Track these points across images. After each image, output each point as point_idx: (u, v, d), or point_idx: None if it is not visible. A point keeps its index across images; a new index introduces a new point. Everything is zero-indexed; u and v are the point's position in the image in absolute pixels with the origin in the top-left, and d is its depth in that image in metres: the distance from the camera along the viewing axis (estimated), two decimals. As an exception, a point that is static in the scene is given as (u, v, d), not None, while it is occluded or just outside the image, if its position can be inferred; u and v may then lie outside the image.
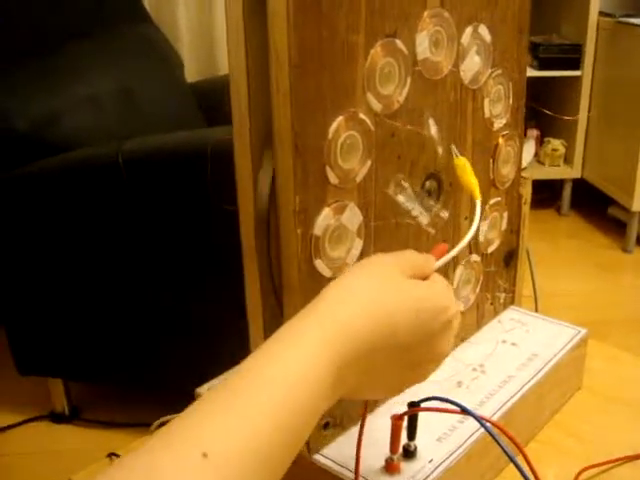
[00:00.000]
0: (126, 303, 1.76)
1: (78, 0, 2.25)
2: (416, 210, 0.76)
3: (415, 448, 0.72)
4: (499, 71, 0.86)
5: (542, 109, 3.43)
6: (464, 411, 0.67)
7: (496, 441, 0.63)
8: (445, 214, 0.81)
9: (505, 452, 0.62)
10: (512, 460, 0.61)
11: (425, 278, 0.61)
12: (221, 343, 1.31)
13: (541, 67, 3.25)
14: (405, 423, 0.71)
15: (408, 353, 0.57)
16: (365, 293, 0.55)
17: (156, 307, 1.72)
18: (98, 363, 1.92)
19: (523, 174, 0.97)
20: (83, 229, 1.72)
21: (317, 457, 0.72)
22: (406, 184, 0.75)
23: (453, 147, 0.79)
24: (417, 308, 0.56)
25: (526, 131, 3.52)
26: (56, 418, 2.08)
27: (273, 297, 0.69)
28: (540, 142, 3.52)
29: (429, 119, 0.76)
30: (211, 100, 2.42)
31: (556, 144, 3.42)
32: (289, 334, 0.51)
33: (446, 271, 0.86)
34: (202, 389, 0.86)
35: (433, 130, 0.76)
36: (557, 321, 0.98)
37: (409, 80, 0.72)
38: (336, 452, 0.73)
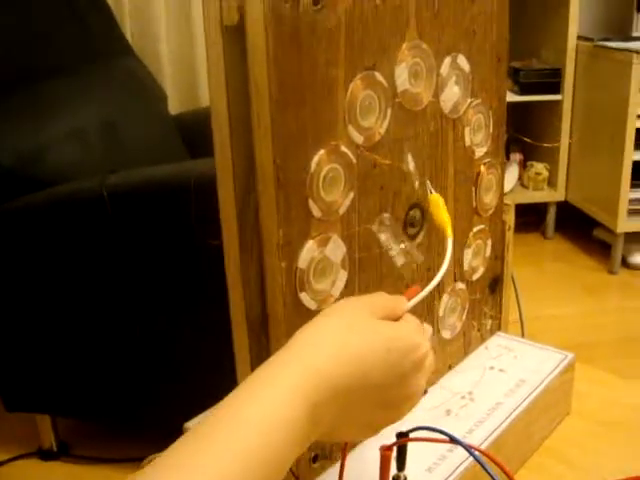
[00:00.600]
0: (114, 338, 1.75)
1: (62, 34, 2.26)
2: (394, 251, 0.77)
3: (405, 479, 0.72)
4: (479, 100, 0.87)
5: (523, 137, 3.45)
6: (453, 440, 0.67)
7: (485, 470, 0.63)
8: (420, 258, 0.81)
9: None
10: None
11: (397, 319, 0.61)
12: (210, 377, 1.30)
13: (522, 92, 3.28)
14: (394, 454, 0.70)
15: (382, 393, 0.57)
16: (336, 336, 0.55)
17: (144, 342, 1.71)
18: (86, 399, 1.91)
19: (506, 200, 0.98)
20: (69, 263, 1.71)
21: (307, 490, 0.72)
22: (389, 222, 0.75)
23: (428, 183, 0.80)
24: (387, 348, 0.56)
25: (509, 155, 3.54)
26: (44, 455, 2.06)
27: (259, 330, 0.69)
28: (523, 166, 3.53)
29: (408, 154, 0.76)
30: (194, 132, 2.42)
31: (539, 167, 3.44)
32: (265, 376, 0.52)
33: (432, 300, 0.86)
34: (191, 423, 0.86)
35: (411, 166, 0.77)
36: (544, 346, 0.99)
37: (389, 112, 0.73)
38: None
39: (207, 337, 1.57)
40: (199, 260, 1.48)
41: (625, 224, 3.06)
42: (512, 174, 3.46)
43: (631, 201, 3.07)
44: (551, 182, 3.46)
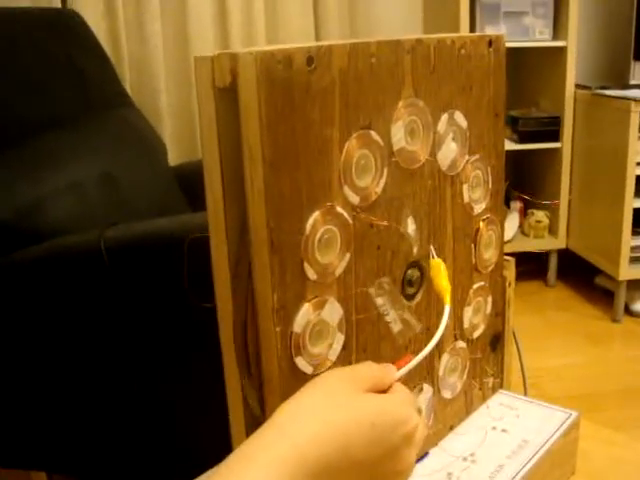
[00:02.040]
0: (111, 396, 1.73)
1: (60, 86, 2.27)
2: (390, 317, 0.75)
3: None
4: (476, 156, 0.86)
5: (523, 190, 3.46)
6: (454, 509, 0.65)
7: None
8: (417, 328, 0.79)
9: None
10: None
11: (386, 389, 0.59)
12: (209, 438, 1.28)
13: (521, 140, 3.28)
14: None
15: (368, 470, 0.55)
16: (317, 414, 0.54)
17: (141, 400, 1.69)
18: (83, 457, 1.88)
19: (506, 255, 0.96)
20: (67, 318, 1.69)
21: None
22: (388, 287, 0.74)
23: (431, 248, 0.79)
24: (372, 423, 0.54)
25: (509, 203, 3.54)
26: (40, 512, 2.03)
27: (254, 398, 0.67)
28: (524, 214, 3.53)
29: (408, 217, 0.75)
30: (194, 183, 2.41)
31: (540, 215, 3.43)
32: (244, 458, 0.50)
33: (431, 360, 0.84)
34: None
35: (411, 229, 0.76)
36: (547, 404, 0.96)
37: (386, 171, 0.72)
38: None
39: (205, 397, 1.55)
40: (194, 320, 1.46)
41: (627, 271, 3.05)
42: (513, 222, 3.45)
43: (633, 248, 3.06)
44: (552, 230, 3.45)
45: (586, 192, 3.31)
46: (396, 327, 0.76)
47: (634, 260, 3.08)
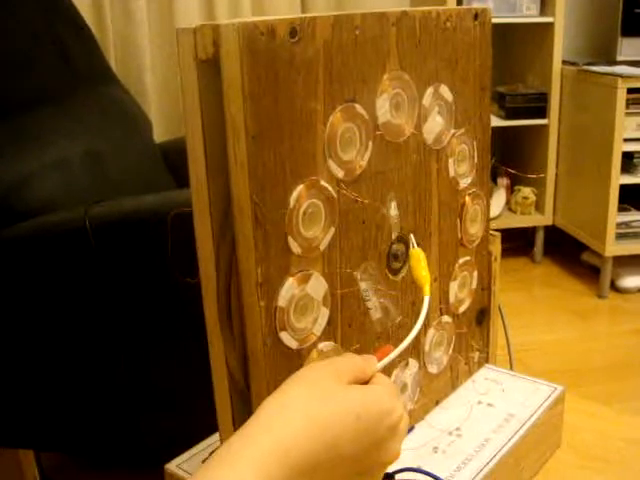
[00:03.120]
0: (97, 372, 1.72)
1: (44, 64, 2.24)
2: (372, 303, 0.75)
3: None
4: (462, 130, 0.86)
5: (510, 164, 3.45)
6: (440, 483, 0.65)
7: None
8: (397, 318, 0.79)
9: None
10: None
11: (367, 381, 0.59)
12: (193, 413, 1.28)
13: (508, 117, 3.27)
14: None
15: (354, 463, 0.54)
16: (300, 408, 0.53)
17: (126, 376, 1.68)
18: (70, 433, 1.87)
19: (492, 229, 0.96)
20: (53, 295, 1.68)
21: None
22: (373, 271, 0.73)
23: (412, 237, 0.78)
24: (357, 415, 0.54)
25: (496, 180, 3.54)
26: (28, 490, 2.03)
27: (239, 372, 0.67)
28: (511, 190, 3.53)
29: (392, 201, 0.75)
30: (180, 159, 2.40)
31: (526, 192, 3.43)
32: (228, 455, 0.49)
33: (417, 335, 0.84)
34: (171, 465, 0.84)
35: (394, 205, 0.75)
36: (533, 379, 0.97)
37: (371, 144, 0.71)
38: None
39: (190, 373, 1.54)
40: (180, 296, 1.45)
41: (613, 248, 3.06)
42: (499, 198, 3.45)
43: (619, 225, 3.07)
44: (539, 206, 3.46)
45: (573, 168, 3.31)
46: (376, 314, 0.76)
47: (620, 236, 3.09)
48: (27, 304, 1.73)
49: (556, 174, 3.36)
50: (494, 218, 3.32)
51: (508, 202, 3.51)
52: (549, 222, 3.44)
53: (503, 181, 3.53)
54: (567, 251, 3.46)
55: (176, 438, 0.90)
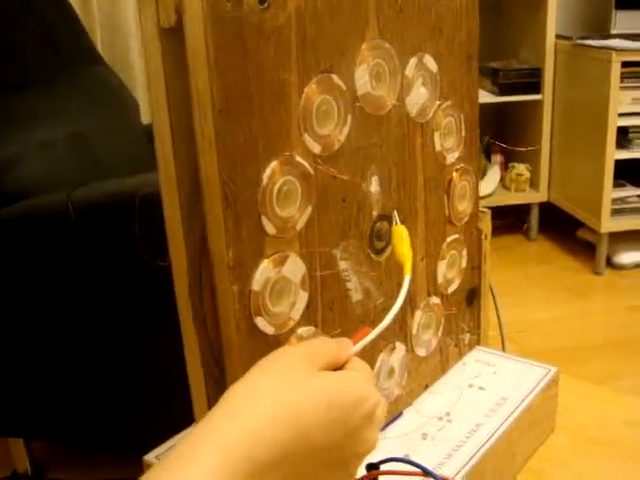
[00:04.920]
0: (83, 360, 1.69)
1: (28, 44, 2.20)
2: (352, 284, 0.71)
3: (377, 513, 0.67)
4: (448, 102, 0.82)
5: (503, 140, 3.42)
6: (426, 473, 0.62)
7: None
8: (379, 300, 0.75)
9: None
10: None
11: (342, 366, 0.55)
12: (175, 400, 1.25)
13: (501, 93, 3.24)
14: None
15: (327, 453, 0.51)
16: (269, 395, 0.49)
17: (112, 364, 1.65)
18: (59, 422, 1.85)
19: (482, 206, 0.92)
20: (36, 280, 1.65)
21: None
22: (354, 250, 0.69)
23: (395, 213, 0.74)
24: (328, 403, 0.50)
25: (490, 156, 3.50)
26: (19, 479, 2.00)
27: (213, 359, 0.63)
28: (505, 167, 3.49)
29: (373, 177, 0.71)
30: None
31: (521, 169, 3.39)
32: (191, 447, 0.45)
33: (404, 316, 0.81)
34: (149, 456, 0.81)
35: (375, 182, 0.71)
36: (526, 360, 0.93)
37: (350, 117, 0.67)
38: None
39: (172, 360, 1.51)
40: (152, 280, 1.42)
41: (609, 224, 3.03)
42: (493, 176, 3.42)
43: (614, 200, 3.04)
44: (533, 183, 3.42)
45: (567, 144, 3.28)
46: (356, 296, 0.72)
47: (615, 212, 3.06)
48: (11, 289, 1.70)
49: (550, 148, 3.32)
50: (488, 195, 3.29)
51: (502, 179, 3.48)
52: (544, 199, 3.41)
53: (497, 158, 3.50)
54: (562, 228, 3.43)
55: (161, 426, 0.87)
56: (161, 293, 1.45)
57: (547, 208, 3.43)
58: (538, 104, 3.29)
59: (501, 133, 3.50)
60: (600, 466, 0.85)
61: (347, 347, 0.57)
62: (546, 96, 3.26)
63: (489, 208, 0.95)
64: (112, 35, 2.82)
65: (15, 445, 1.99)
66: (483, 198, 3.17)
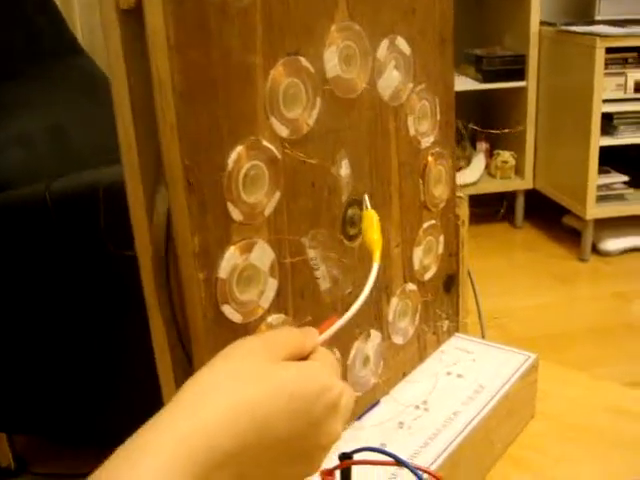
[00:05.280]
0: (62, 352, 1.68)
1: (5, 36, 2.18)
2: (320, 272, 0.69)
3: (351, 504, 0.65)
4: (422, 85, 0.80)
5: (487, 127, 3.40)
6: (399, 462, 0.61)
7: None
8: (347, 289, 0.73)
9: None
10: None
11: (306, 356, 0.54)
12: (154, 390, 1.24)
13: (485, 80, 3.22)
14: (338, 476, 0.64)
15: (289, 446, 0.49)
16: (227, 388, 0.47)
17: (90, 356, 1.64)
18: (40, 416, 1.83)
19: (472, 190, 0.91)
20: (13, 272, 1.64)
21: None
22: (323, 238, 0.68)
23: (365, 198, 0.71)
24: (289, 394, 0.48)
25: (475, 144, 3.49)
26: (2, 473, 1.98)
27: (181, 348, 0.62)
28: (490, 155, 3.48)
29: (343, 161, 0.69)
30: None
31: (506, 156, 3.38)
32: (142, 443, 0.44)
33: (379, 303, 0.79)
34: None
35: (345, 165, 0.70)
36: (505, 347, 0.92)
37: (319, 101, 0.66)
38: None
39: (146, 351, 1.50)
40: (118, 270, 1.40)
41: (594, 210, 3.02)
42: (479, 163, 3.41)
43: (599, 187, 3.03)
44: (518, 170, 3.41)
45: (552, 131, 3.27)
46: (324, 284, 0.70)
47: (601, 199, 3.05)
48: (-11, 283, 1.68)
49: (535, 135, 3.31)
50: (473, 183, 3.28)
51: (487, 167, 3.47)
52: (529, 186, 3.40)
53: (482, 146, 3.48)
54: (548, 215, 3.42)
55: (144, 419, 0.85)
56: (134, 284, 1.43)
57: (533, 195, 3.42)
58: (522, 91, 3.28)
59: (486, 120, 3.49)
60: (580, 452, 0.85)
61: (313, 337, 0.55)
62: (530, 83, 3.25)
63: (474, 196, 0.93)
64: (92, 23, 2.79)
65: (-2, 440, 1.98)
66: (468, 186, 3.16)
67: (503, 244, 3.25)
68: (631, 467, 0.82)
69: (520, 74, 3.24)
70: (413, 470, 0.60)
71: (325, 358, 0.54)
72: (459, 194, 0.91)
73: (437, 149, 0.84)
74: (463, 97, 3.21)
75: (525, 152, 3.35)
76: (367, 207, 0.70)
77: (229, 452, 0.45)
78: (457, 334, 0.96)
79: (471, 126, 3.32)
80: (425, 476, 0.63)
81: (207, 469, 0.43)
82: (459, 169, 3.24)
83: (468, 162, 3.38)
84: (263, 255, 0.63)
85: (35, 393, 1.79)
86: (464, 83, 3.22)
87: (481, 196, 3.20)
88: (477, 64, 3.26)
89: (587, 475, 0.80)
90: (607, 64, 2.89)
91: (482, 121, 3.46)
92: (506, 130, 3.29)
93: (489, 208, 3.42)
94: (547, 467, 0.82)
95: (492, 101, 3.51)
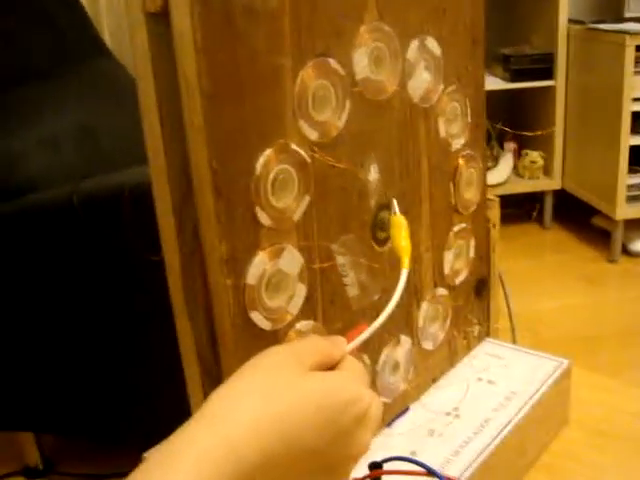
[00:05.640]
0: (91, 352, 1.68)
1: (31, 37, 2.18)
2: (349, 279, 0.68)
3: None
4: (453, 87, 0.79)
5: (515, 127, 3.38)
6: (430, 472, 0.59)
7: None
8: (375, 296, 0.72)
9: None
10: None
11: (334, 366, 0.53)
12: (179, 393, 1.24)
13: (513, 79, 3.19)
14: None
15: (317, 457, 0.48)
16: (253, 400, 0.46)
17: (119, 356, 1.64)
18: (68, 415, 1.84)
19: (500, 190, 0.89)
20: (44, 274, 1.64)
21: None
22: (352, 244, 0.66)
23: (394, 202, 0.70)
24: (318, 405, 0.47)
25: (503, 144, 3.46)
26: (30, 473, 1.99)
27: (210, 355, 0.61)
28: (518, 155, 3.45)
29: (372, 165, 0.68)
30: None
31: (534, 156, 3.35)
32: (168, 455, 0.43)
33: (409, 309, 0.78)
34: (148, 454, 0.78)
35: (373, 177, 0.68)
36: (537, 352, 0.91)
37: (348, 103, 0.65)
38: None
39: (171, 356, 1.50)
40: (144, 274, 1.40)
41: (624, 210, 2.99)
42: (507, 163, 3.38)
43: (629, 187, 3.00)
44: (547, 170, 3.38)
45: (581, 131, 3.24)
46: (353, 291, 0.69)
47: (631, 199, 3.02)
48: (17, 283, 1.68)
49: (564, 134, 3.28)
50: (501, 183, 3.25)
51: (515, 167, 3.44)
52: (558, 186, 3.37)
53: (510, 146, 3.46)
54: (577, 215, 3.38)
55: (169, 421, 0.85)
56: (160, 288, 1.43)
57: (562, 196, 3.39)
58: (551, 90, 3.25)
59: (514, 120, 3.46)
60: (613, 460, 0.83)
61: (340, 345, 0.54)
62: (559, 82, 3.22)
63: (502, 196, 0.92)
64: (118, 25, 2.80)
65: (25, 440, 1.99)
66: (496, 186, 3.13)
67: (532, 246, 3.22)
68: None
69: (548, 73, 3.21)
70: (445, 480, 0.59)
71: (353, 367, 0.53)
72: (490, 196, 0.90)
73: (468, 151, 0.83)
74: (491, 96, 3.18)
75: (554, 152, 3.32)
76: (395, 212, 0.68)
77: (256, 463, 0.44)
78: (488, 339, 0.94)
79: (499, 126, 3.30)
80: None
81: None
82: (487, 169, 3.21)
83: (496, 162, 3.36)
84: (292, 261, 0.61)
85: (61, 393, 1.79)
86: (492, 82, 3.19)
87: (509, 197, 3.18)
88: (505, 63, 3.23)
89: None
90: (637, 62, 2.85)
91: (510, 121, 3.43)
92: (537, 132, 3.26)
93: (518, 209, 3.39)
94: (581, 475, 0.81)
95: (520, 100, 3.49)
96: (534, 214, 3.43)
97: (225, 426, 0.44)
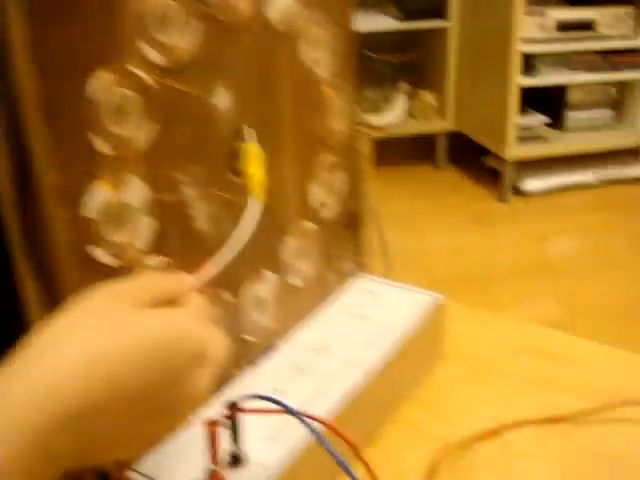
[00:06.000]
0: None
1: None
2: (198, 212, 0.64)
3: (242, 453, 0.62)
4: (318, 11, 0.75)
5: (408, 73, 3.37)
6: (288, 411, 0.57)
7: (326, 448, 0.53)
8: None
9: (337, 460, 0.52)
10: (345, 469, 0.52)
11: (176, 302, 0.50)
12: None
13: (406, 18, 3.17)
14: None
15: (147, 399, 0.45)
16: (76, 339, 0.43)
17: None
18: None
19: (394, 131, 0.87)
20: None
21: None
22: (204, 174, 0.62)
23: (244, 129, 0.66)
24: (145, 343, 0.45)
25: (396, 85, 3.46)
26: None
27: (48, 295, 0.57)
28: (412, 96, 3.45)
29: (227, 91, 0.64)
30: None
31: (426, 96, 3.35)
32: None
33: (271, 243, 0.75)
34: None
35: (228, 104, 0.64)
36: (411, 287, 0.89)
37: (198, 24, 0.61)
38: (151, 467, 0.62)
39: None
40: None
41: (514, 151, 3.03)
42: (400, 104, 3.37)
43: (520, 128, 3.03)
44: (440, 112, 3.39)
45: (474, 72, 3.25)
46: (202, 225, 0.65)
47: (522, 139, 3.06)
48: None
49: (457, 75, 3.28)
50: (394, 124, 3.24)
51: (409, 108, 3.44)
52: (451, 127, 3.39)
53: (403, 86, 3.45)
54: (470, 157, 3.42)
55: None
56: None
57: (455, 137, 3.41)
58: (444, 31, 3.24)
59: (407, 60, 3.45)
60: (490, 394, 0.83)
61: (183, 281, 0.51)
62: (452, 22, 3.21)
63: (396, 138, 0.89)
64: None
65: None
66: (388, 127, 3.13)
67: (425, 186, 3.24)
68: (547, 403, 0.80)
69: (442, 12, 3.20)
70: (303, 420, 0.56)
71: (194, 304, 0.50)
72: (360, 128, 0.87)
73: (336, 80, 0.80)
74: (384, 36, 3.17)
75: (447, 93, 3.33)
76: (246, 140, 0.64)
77: (78, 408, 0.41)
78: (361, 274, 0.92)
79: (389, 61, 3.28)
80: (317, 425, 0.59)
81: (47, 433, 0.39)
82: (379, 110, 3.20)
83: (389, 103, 3.35)
84: (137, 192, 0.58)
85: None
86: (385, 22, 3.16)
87: (403, 138, 3.18)
88: (398, 3, 3.20)
89: (488, 415, 0.78)
90: (528, 3, 2.87)
91: (403, 61, 3.42)
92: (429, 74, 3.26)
93: (412, 150, 3.40)
94: (455, 408, 0.80)
95: (413, 40, 3.47)
96: (436, 156, 3.44)
97: (45, 368, 0.41)
